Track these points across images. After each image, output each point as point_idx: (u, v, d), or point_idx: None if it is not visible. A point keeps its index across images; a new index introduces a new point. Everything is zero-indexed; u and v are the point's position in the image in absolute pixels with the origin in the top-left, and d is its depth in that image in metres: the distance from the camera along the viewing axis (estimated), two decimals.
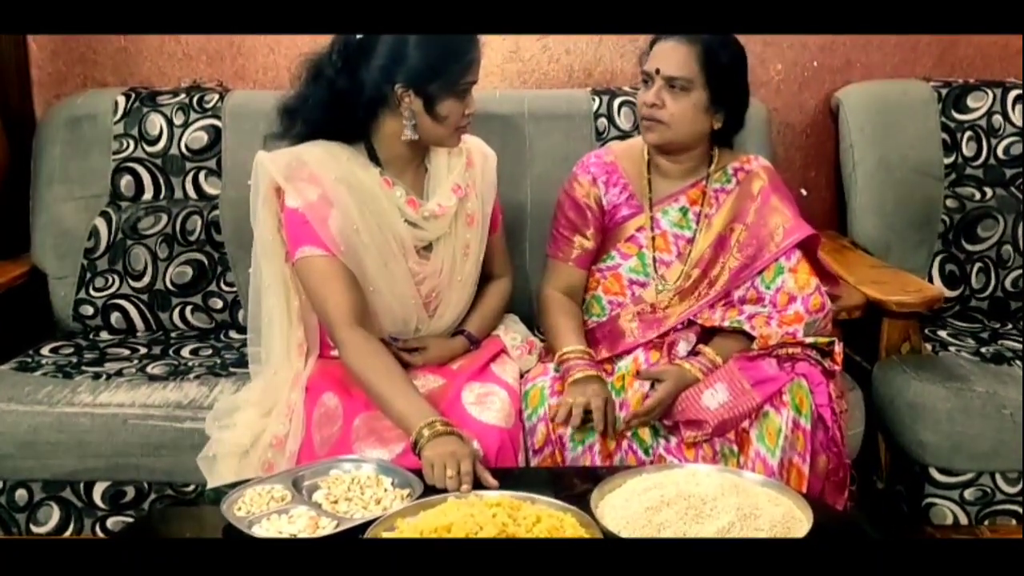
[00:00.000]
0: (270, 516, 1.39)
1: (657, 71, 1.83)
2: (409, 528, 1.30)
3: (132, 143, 2.34)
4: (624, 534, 1.30)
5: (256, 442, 1.73)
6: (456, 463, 1.48)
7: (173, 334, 2.33)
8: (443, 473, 1.47)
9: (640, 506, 1.35)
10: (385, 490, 1.46)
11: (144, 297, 2.31)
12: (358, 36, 1.75)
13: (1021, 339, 2.23)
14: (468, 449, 1.53)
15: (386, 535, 1.31)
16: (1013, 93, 2.45)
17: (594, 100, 2.39)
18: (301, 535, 1.34)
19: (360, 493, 1.45)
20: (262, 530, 1.36)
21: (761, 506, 1.35)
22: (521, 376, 1.90)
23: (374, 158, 1.81)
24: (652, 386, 1.77)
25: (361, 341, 1.69)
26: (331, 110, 1.77)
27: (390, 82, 1.73)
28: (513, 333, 1.99)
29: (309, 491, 1.47)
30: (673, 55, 1.83)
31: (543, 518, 1.30)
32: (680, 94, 1.83)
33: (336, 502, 1.43)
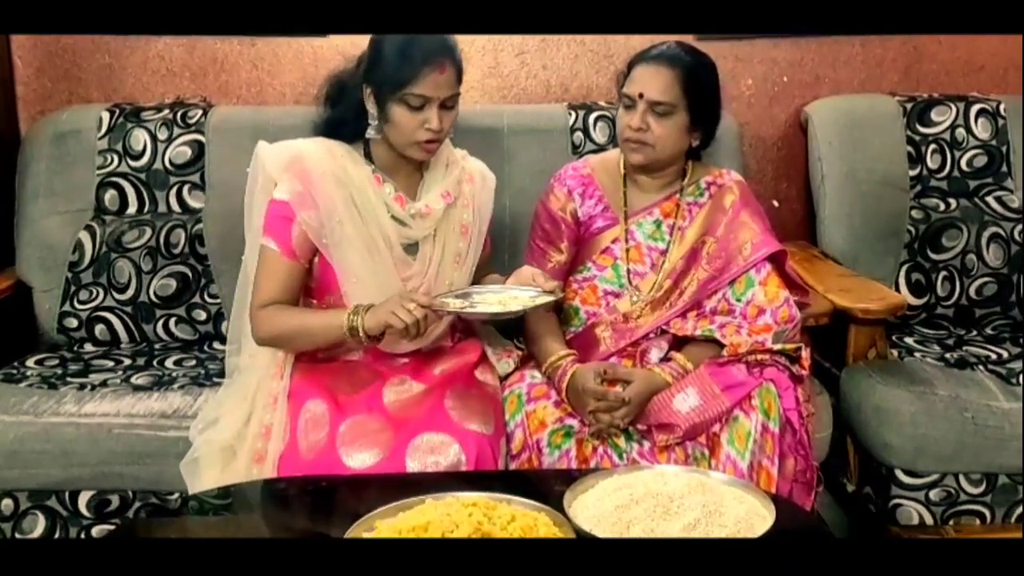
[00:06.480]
0: None
1: (641, 95, 1.87)
2: (387, 529, 1.34)
3: (116, 158, 2.37)
4: (595, 531, 1.34)
5: (242, 436, 1.77)
6: (403, 299, 1.66)
7: (157, 345, 2.35)
8: (402, 309, 1.65)
9: (611, 504, 1.39)
10: None
11: (128, 309, 2.34)
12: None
13: (1021, 349, 2.26)
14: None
15: (366, 535, 1.35)
16: (975, 107, 2.52)
17: (570, 115, 2.44)
18: None
19: None
20: None
21: (726, 503, 1.39)
22: (501, 382, 1.93)
23: (368, 157, 1.88)
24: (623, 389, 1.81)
25: (271, 311, 1.79)
26: (335, 108, 1.88)
27: (364, 81, 1.82)
28: (494, 345, 2.02)
29: None
30: (656, 80, 1.87)
31: (517, 517, 1.34)
32: (664, 117, 1.87)
33: None
